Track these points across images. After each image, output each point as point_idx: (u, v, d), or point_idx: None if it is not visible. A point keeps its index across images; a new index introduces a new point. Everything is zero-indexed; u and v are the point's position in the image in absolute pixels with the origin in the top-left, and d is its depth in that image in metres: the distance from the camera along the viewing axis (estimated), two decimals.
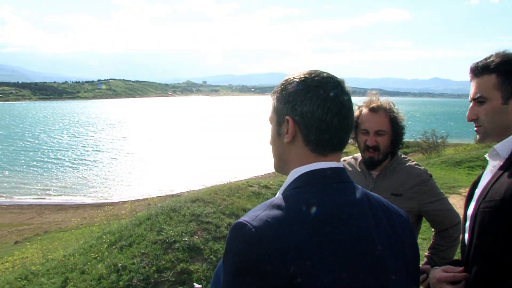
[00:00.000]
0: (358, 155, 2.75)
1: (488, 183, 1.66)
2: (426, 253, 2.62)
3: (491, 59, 1.69)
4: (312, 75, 1.21)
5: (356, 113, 2.59)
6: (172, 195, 20.37)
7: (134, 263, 6.39)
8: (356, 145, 2.67)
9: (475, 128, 1.77)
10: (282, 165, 1.28)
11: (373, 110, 2.56)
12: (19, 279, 7.15)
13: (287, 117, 1.20)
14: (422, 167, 2.70)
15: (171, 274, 6.17)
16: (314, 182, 1.15)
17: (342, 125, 1.18)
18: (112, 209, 22.04)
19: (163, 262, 6.37)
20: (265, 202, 1.12)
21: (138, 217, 7.86)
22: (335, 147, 1.20)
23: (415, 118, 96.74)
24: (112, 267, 6.42)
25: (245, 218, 1.07)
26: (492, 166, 1.73)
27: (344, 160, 2.82)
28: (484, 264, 1.60)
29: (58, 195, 26.44)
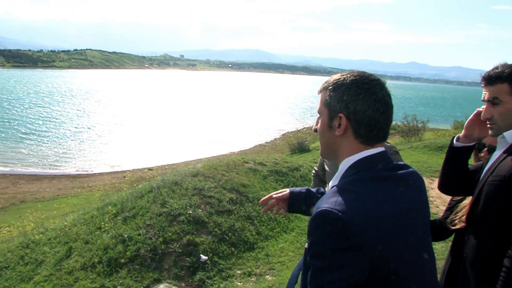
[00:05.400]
0: None
1: (495, 161, 2.06)
2: None
3: (500, 69, 2.04)
4: (362, 77, 1.41)
5: None
6: (148, 169, 20.31)
7: (140, 234, 6.47)
8: None
9: (489, 125, 2.09)
10: (330, 153, 1.49)
11: None
12: (20, 248, 7.11)
13: (340, 114, 1.39)
14: (389, 143, 3.07)
15: (177, 245, 6.29)
16: (367, 166, 1.37)
17: (386, 122, 1.40)
18: (88, 180, 21.81)
19: (169, 234, 6.47)
20: (334, 190, 1.33)
21: (140, 189, 7.88)
22: (380, 140, 1.41)
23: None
24: (118, 237, 6.48)
25: (325, 206, 1.26)
26: (499, 148, 2.11)
27: None
28: (483, 224, 2.04)
29: (29, 166, 25.80)
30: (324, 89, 1.48)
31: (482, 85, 2.10)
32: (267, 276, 5.78)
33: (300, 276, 1.43)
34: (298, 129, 43.81)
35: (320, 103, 1.49)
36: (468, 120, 2.20)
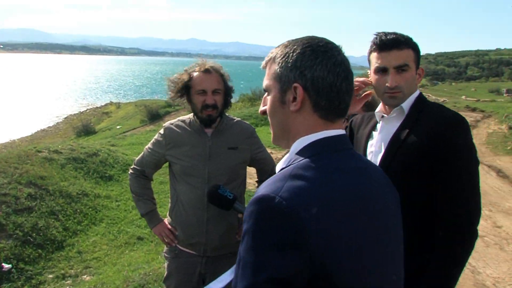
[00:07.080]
0: (186, 117, 2.84)
1: (396, 135, 1.98)
2: None
3: (399, 35, 1.95)
4: (315, 40, 1.19)
5: (185, 76, 2.69)
6: None
7: None
8: (188, 107, 2.80)
9: (394, 94, 1.97)
10: (284, 135, 1.23)
11: (207, 71, 2.66)
12: None
13: (295, 84, 1.15)
14: (247, 122, 2.96)
15: None
16: (326, 149, 1.14)
17: (348, 90, 1.18)
18: None
19: None
20: (282, 173, 1.09)
21: None
22: (342, 113, 1.20)
23: None
24: None
25: (268, 191, 1.03)
26: (395, 120, 2.04)
27: (171, 124, 2.83)
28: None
29: None
30: (270, 61, 1.24)
31: (378, 51, 1.97)
32: (84, 276, 5.63)
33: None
34: (81, 111, 41.80)
35: (266, 79, 1.24)
36: None
